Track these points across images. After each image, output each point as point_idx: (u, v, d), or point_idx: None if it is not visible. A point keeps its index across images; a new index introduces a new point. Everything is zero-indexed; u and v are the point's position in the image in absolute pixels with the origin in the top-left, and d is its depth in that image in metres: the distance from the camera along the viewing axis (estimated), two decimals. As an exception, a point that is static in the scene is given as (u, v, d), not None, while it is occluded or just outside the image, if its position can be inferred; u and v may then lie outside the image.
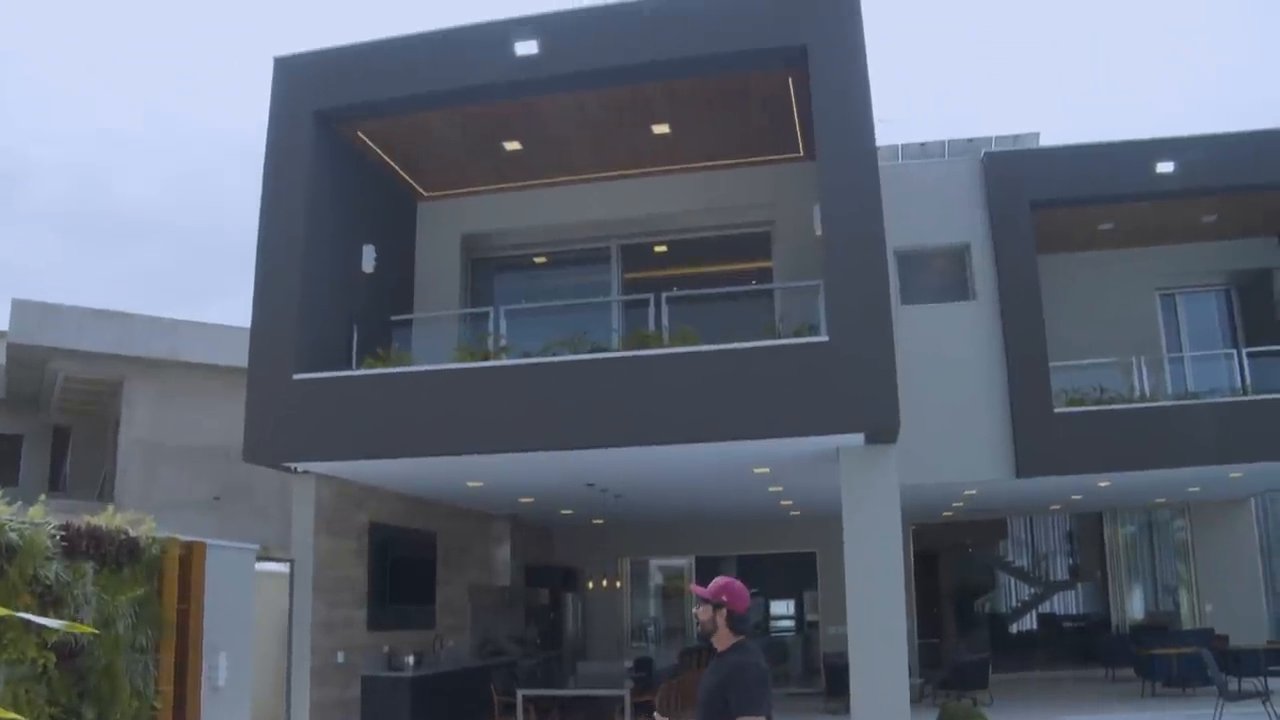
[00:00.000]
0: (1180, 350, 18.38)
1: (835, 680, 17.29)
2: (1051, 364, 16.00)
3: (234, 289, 69.27)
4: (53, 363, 21.85)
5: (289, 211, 13.79)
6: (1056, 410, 15.78)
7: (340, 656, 14.27)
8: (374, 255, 14.88)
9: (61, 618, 9.06)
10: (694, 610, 5.65)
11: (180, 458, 21.37)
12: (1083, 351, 16.73)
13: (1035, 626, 27.76)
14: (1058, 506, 22.87)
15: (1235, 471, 16.71)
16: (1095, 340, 17.15)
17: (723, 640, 5.28)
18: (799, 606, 25.27)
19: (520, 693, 14.44)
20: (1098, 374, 16.47)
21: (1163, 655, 17.53)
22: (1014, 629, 27.68)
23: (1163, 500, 21.38)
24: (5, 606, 8.59)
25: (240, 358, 16.13)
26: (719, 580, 5.38)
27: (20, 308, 21.28)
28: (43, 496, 10.13)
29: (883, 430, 11.92)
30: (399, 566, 16.02)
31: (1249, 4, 76.47)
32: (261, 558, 13.27)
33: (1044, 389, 15.84)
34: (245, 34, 78.90)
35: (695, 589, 5.43)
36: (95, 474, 23.59)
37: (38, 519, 9.19)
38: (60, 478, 25.36)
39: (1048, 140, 18.61)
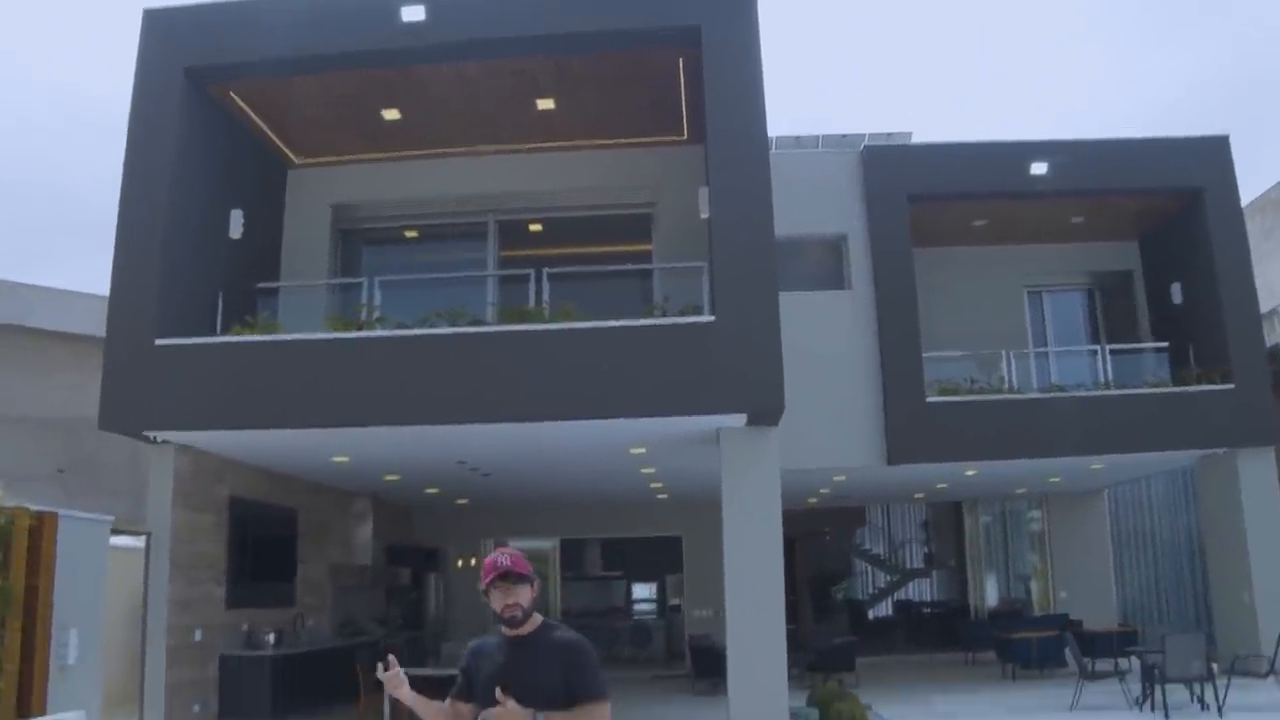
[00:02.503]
0: (1046, 345, 18.85)
1: (701, 662, 17.38)
2: (924, 354, 16.26)
3: (72, 253, 66.56)
4: (-126, 324, 20.58)
5: (154, 170, 13.14)
6: (928, 399, 16.07)
7: (197, 634, 13.72)
8: (242, 221, 14.30)
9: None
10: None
11: (21, 428, 20.31)
12: (954, 344, 17.08)
13: (893, 612, 28.34)
14: (921, 495, 23.37)
15: (1096, 463, 17.29)
16: (966, 333, 17.53)
17: (531, 622, 4.56)
18: (661, 590, 25.35)
19: (385, 672, 14.07)
20: (968, 366, 16.84)
21: (1023, 639, 18.02)
22: (872, 615, 28.19)
23: (1023, 490, 22.03)
24: None
25: (87, 325, 15.39)
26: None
27: None
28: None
29: (766, 412, 11.93)
30: (259, 543, 15.50)
31: (1119, 19, 79.48)
32: (115, 531, 12.67)
33: (916, 378, 16.14)
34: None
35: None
36: (-74, 445, 22.28)
37: None
38: (-113, 448, 23.90)
39: (919, 140, 18.94)
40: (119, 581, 13.26)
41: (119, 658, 13.67)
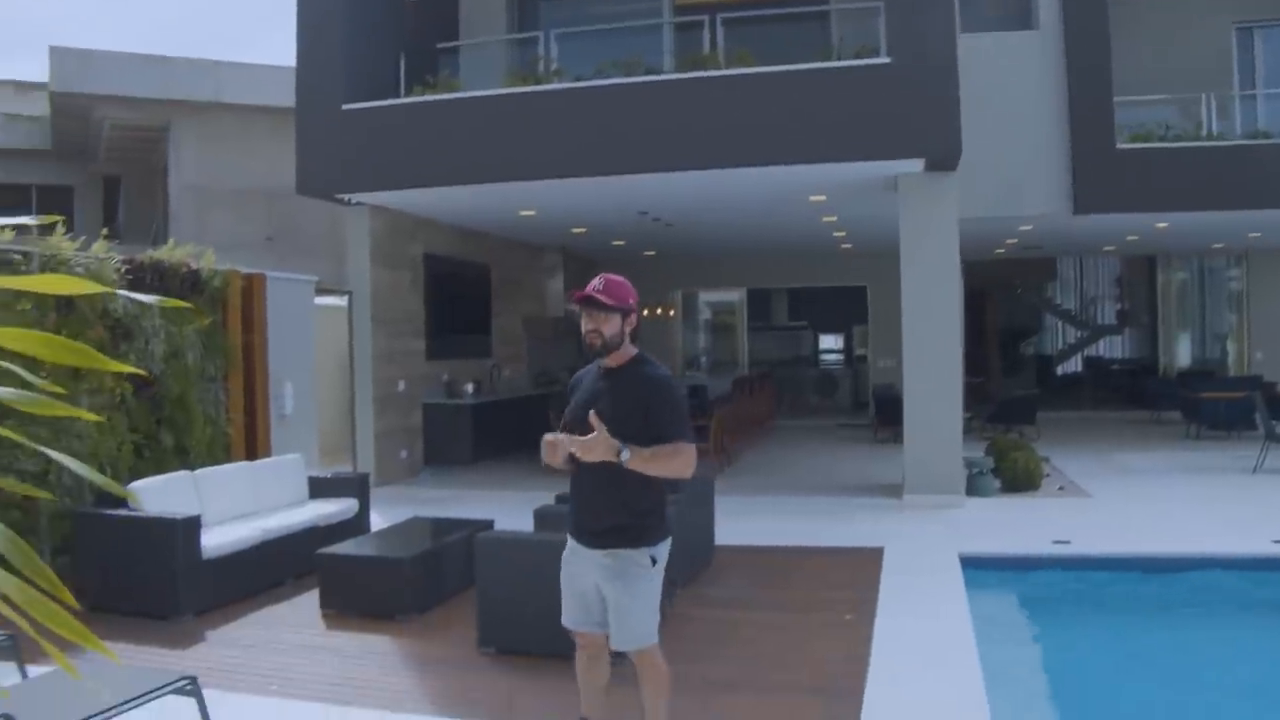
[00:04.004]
0: (1254, 88, 17.57)
1: (885, 412, 17.56)
2: (1116, 99, 15.45)
3: (263, 32, 68.27)
4: (97, 111, 21.77)
5: (330, -64, 13.34)
6: (1119, 146, 15.32)
7: (401, 386, 14.59)
8: (418, -18, 14.46)
9: (132, 349, 9.31)
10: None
11: (229, 201, 21.46)
12: (1150, 87, 16.08)
13: (1081, 369, 27.95)
14: (1111, 248, 22.60)
15: (1302, 217, 16.30)
16: (1164, 75, 16.42)
17: (623, 354, 4.43)
18: (848, 340, 25.55)
19: (581, 417, 14.77)
20: (1164, 111, 15.93)
21: (1211, 399, 17.55)
22: (1060, 371, 27.88)
23: (1220, 246, 21.06)
24: (76, 339, 8.82)
25: (283, 97, 15.96)
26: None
27: (59, 55, 21.09)
28: (104, 231, 10.24)
29: (944, 157, 11.66)
30: (454, 298, 16.23)
31: None
32: (319, 291, 13.43)
33: (1107, 124, 15.31)
34: None
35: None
36: (147, 222, 23.76)
37: (101, 254, 9.32)
38: (114, 227, 25.55)
39: None
40: (327, 339, 14.15)
41: (331, 410, 14.70)
